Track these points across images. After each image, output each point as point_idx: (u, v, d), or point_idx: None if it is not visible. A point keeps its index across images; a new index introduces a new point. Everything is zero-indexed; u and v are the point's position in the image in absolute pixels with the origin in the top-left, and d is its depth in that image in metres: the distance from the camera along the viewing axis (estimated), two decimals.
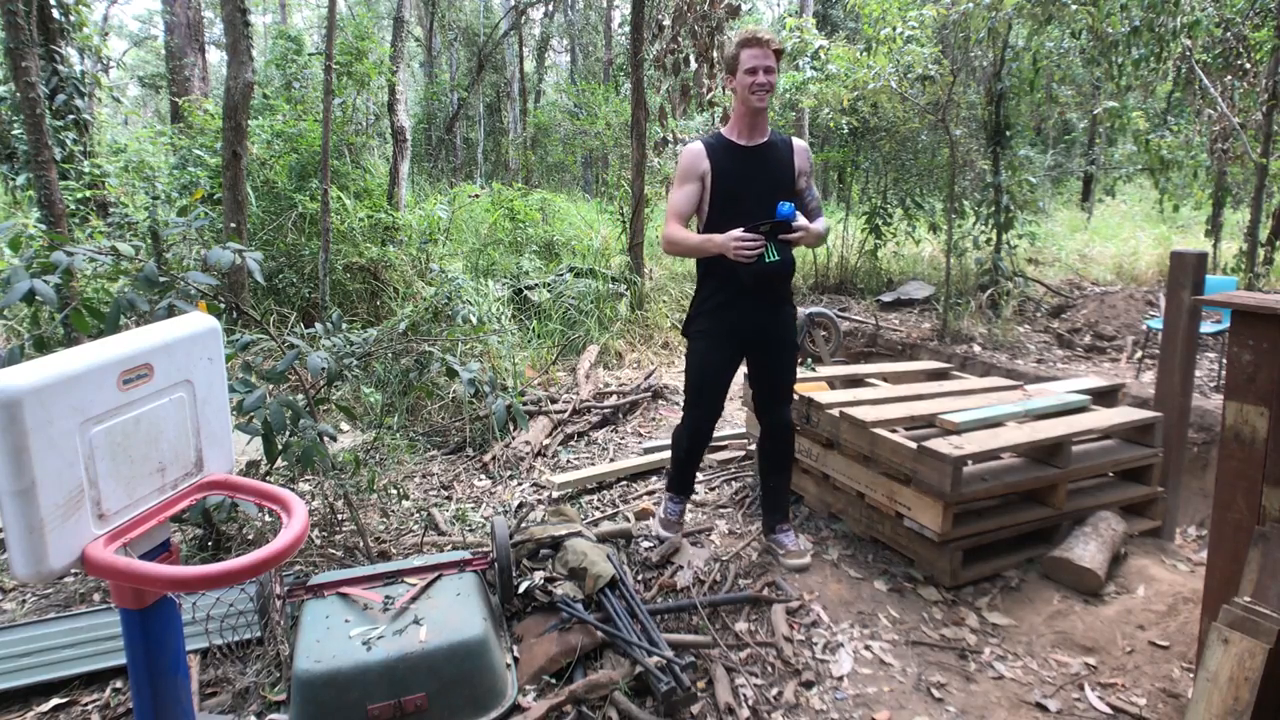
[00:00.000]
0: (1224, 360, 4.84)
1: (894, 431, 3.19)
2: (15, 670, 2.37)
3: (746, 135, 2.81)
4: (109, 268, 2.57)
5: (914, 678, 2.45)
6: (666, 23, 7.59)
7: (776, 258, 2.78)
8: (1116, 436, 3.46)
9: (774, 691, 2.36)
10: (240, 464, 3.01)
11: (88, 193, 6.60)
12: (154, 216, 6.19)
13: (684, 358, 2.99)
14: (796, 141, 2.90)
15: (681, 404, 3.28)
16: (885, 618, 2.76)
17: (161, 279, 2.48)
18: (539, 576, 2.64)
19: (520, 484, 4.08)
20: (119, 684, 2.37)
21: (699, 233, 2.80)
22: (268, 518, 3.14)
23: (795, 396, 3.49)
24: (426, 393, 4.88)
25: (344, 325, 3.27)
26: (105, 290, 4.45)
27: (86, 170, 6.65)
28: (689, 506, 3.71)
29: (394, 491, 3.70)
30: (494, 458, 4.35)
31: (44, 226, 4.29)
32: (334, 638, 2.12)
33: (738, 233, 2.61)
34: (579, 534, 2.88)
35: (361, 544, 3.10)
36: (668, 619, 2.71)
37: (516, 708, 2.18)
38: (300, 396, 3.09)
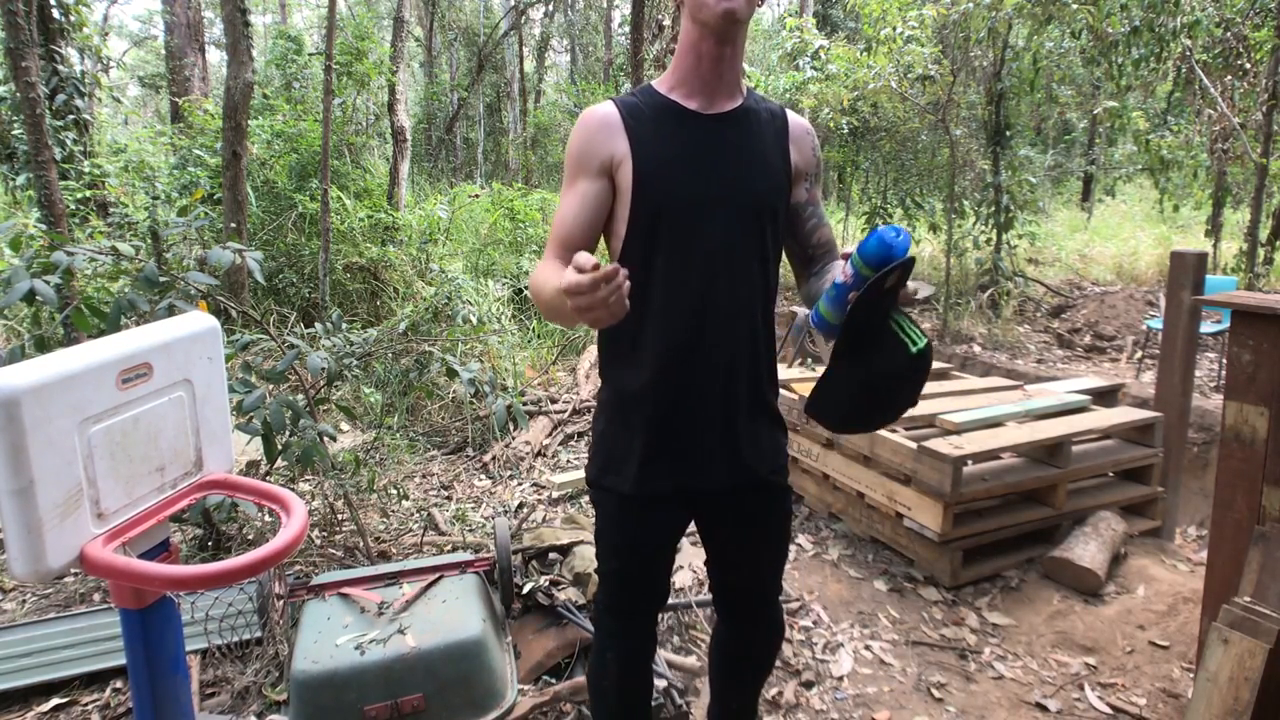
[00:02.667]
0: (1224, 360, 4.84)
1: (894, 431, 3.19)
2: (15, 670, 2.37)
3: (701, 93, 1.44)
4: (109, 268, 2.57)
5: (914, 678, 2.45)
6: (666, 23, 7.59)
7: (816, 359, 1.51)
8: (1116, 436, 3.46)
9: (774, 692, 2.36)
10: (240, 464, 3.01)
11: (88, 193, 6.60)
12: (154, 216, 6.19)
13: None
14: (794, 118, 1.54)
15: None
16: (885, 618, 2.75)
17: (161, 279, 2.48)
18: (544, 579, 2.64)
19: (520, 484, 4.08)
20: (119, 684, 2.37)
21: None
22: (267, 517, 3.14)
23: (795, 397, 3.48)
24: (426, 393, 4.87)
25: (344, 325, 3.27)
26: (106, 290, 4.45)
27: (86, 170, 6.65)
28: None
29: (394, 491, 3.70)
30: (494, 458, 4.35)
31: (44, 226, 4.29)
32: (333, 638, 2.12)
33: (570, 279, 1.08)
34: (589, 542, 2.88)
35: (361, 544, 3.10)
36: (667, 618, 2.71)
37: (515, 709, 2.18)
38: (300, 396, 3.09)
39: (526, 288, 6.90)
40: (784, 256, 1.57)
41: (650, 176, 1.40)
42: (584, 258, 1.07)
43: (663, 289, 1.43)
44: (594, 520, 1.65)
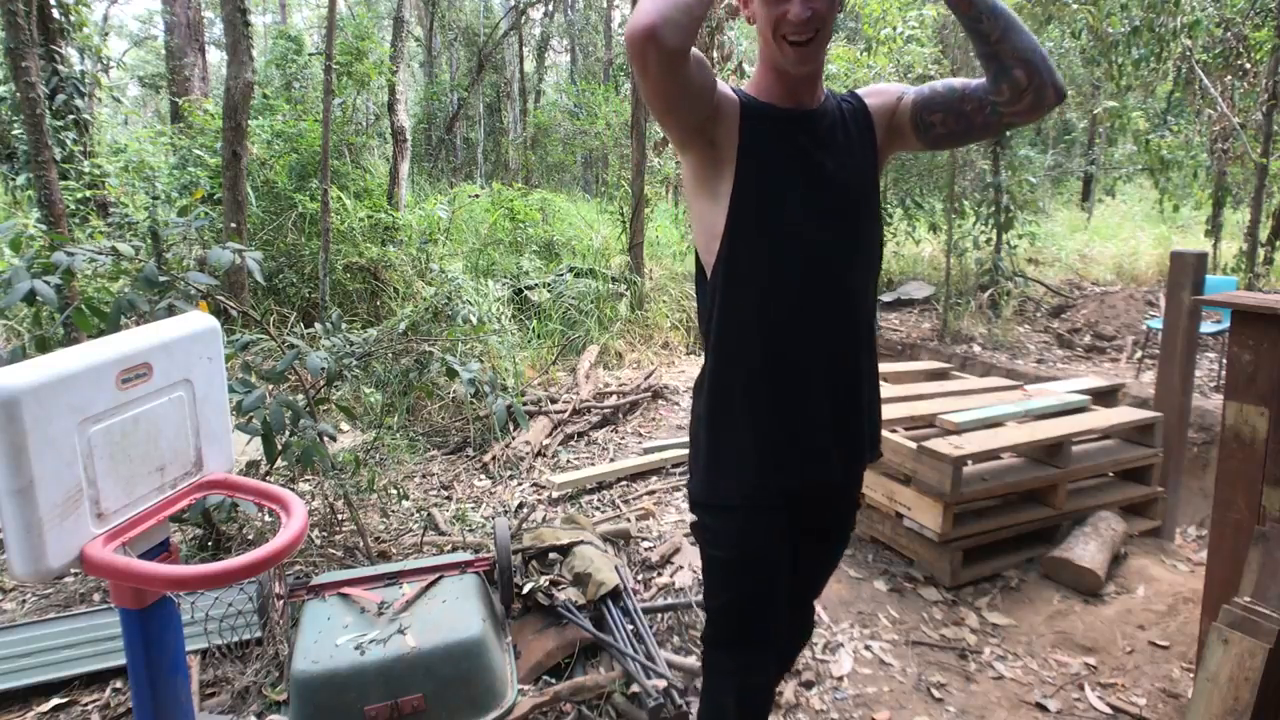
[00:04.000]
0: (1224, 360, 4.84)
1: (894, 431, 3.19)
2: (15, 670, 2.37)
3: (789, 97, 1.43)
4: (109, 268, 2.57)
5: (914, 678, 2.45)
6: None
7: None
8: (1116, 436, 3.46)
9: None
10: (240, 464, 3.01)
11: (88, 193, 6.60)
12: (154, 216, 6.19)
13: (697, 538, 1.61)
14: (865, 91, 1.56)
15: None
16: (885, 618, 2.75)
17: (161, 279, 2.48)
18: (544, 579, 2.64)
19: (520, 484, 4.08)
20: (119, 684, 2.37)
21: (711, 270, 1.44)
22: (267, 517, 3.14)
23: None
24: (426, 393, 4.88)
25: (344, 325, 3.27)
26: (107, 290, 4.45)
27: (86, 170, 6.65)
28: (689, 506, 3.70)
29: (394, 491, 3.70)
30: (494, 458, 4.35)
31: (44, 226, 4.29)
32: (333, 638, 2.12)
33: None
34: (589, 542, 2.88)
35: (361, 544, 3.10)
36: (666, 618, 2.71)
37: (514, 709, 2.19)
38: (300, 396, 3.09)
39: (529, 287, 6.92)
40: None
41: (752, 164, 1.38)
42: None
43: (769, 280, 1.40)
44: (700, 555, 1.57)
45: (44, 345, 2.64)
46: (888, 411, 3.29)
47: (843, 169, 1.43)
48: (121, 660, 2.36)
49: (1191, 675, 2.36)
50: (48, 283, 2.04)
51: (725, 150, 1.38)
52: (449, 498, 3.93)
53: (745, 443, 1.45)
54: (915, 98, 1.48)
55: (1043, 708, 2.30)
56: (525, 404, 5.05)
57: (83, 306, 2.28)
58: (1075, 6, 5.80)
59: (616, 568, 2.74)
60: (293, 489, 3.25)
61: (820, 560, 1.68)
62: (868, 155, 1.49)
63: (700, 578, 2.97)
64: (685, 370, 6.36)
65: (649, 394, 5.37)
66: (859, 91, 1.53)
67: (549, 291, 6.87)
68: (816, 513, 1.57)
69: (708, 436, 1.49)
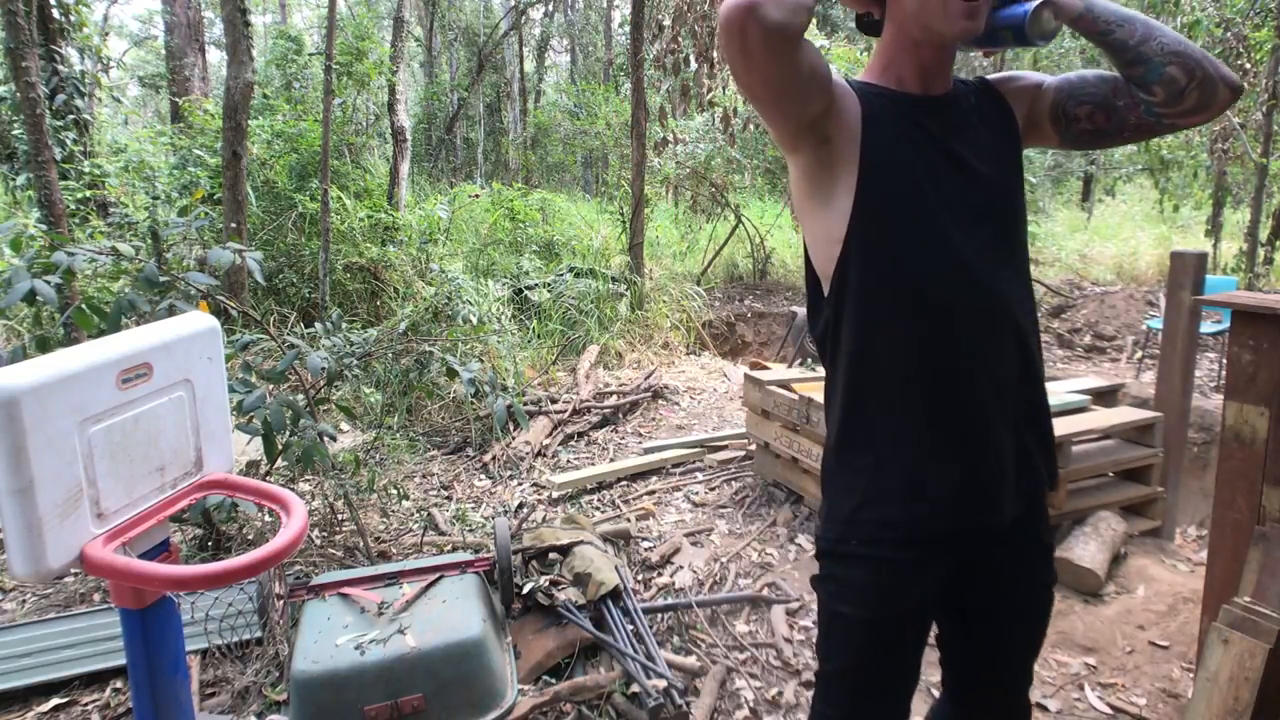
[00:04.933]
0: (1224, 360, 4.85)
1: None
2: (15, 670, 2.37)
3: (918, 80, 1.25)
4: (110, 267, 2.57)
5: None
6: (666, 23, 7.59)
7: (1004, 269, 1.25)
8: (1116, 436, 3.46)
9: (774, 692, 2.36)
10: (240, 464, 3.01)
11: (88, 193, 6.61)
12: (154, 216, 6.19)
13: (817, 606, 1.40)
14: (996, 79, 1.37)
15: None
16: None
17: (161, 279, 2.48)
18: (544, 579, 2.65)
19: (520, 484, 4.08)
20: (119, 684, 2.37)
21: (831, 281, 1.24)
22: (267, 517, 3.14)
23: (795, 397, 3.49)
24: (427, 393, 4.88)
25: (344, 325, 3.27)
26: (107, 290, 4.45)
27: (86, 170, 6.65)
28: (689, 507, 3.71)
29: (394, 491, 3.70)
30: (494, 458, 4.35)
31: (44, 226, 4.29)
32: (333, 638, 2.12)
33: None
34: (589, 542, 2.88)
35: (361, 544, 3.10)
36: (666, 618, 2.71)
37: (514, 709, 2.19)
38: (300, 396, 3.09)
39: (529, 287, 6.92)
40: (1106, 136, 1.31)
41: (882, 157, 1.17)
42: None
43: (910, 293, 1.18)
44: (818, 609, 1.30)
45: (44, 345, 2.64)
46: None
47: (984, 162, 1.23)
48: (121, 660, 2.37)
49: (1191, 675, 2.36)
50: (48, 282, 2.04)
51: (843, 148, 1.17)
52: (449, 498, 3.94)
53: (890, 470, 1.19)
54: (1060, 85, 1.29)
55: (1043, 708, 2.30)
56: (525, 404, 5.05)
57: (83, 306, 2.28)
58: None
59: (616, 568, 2.74)
60: (293, 489, 3.25)
61: (1009, 618, 1.30)
62: (1011, 146, 1.29)
63: (700, 577, 2.97)
64: (685, 370, 6.37)
65: (649, 394, 5.37)
66: (989, 78, 1.35)
67: (549, 291, 6.88)
68: (988, 554, 1.26)
69: (838, 466, 1.26)
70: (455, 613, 2.22)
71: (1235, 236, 8.10)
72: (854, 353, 1.21)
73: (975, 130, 1.25)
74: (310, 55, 9.14)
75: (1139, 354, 6.26)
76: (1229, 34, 6.73)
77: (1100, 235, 11.35)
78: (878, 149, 1.17)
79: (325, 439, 2.78)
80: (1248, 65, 6.77)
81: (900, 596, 1.20)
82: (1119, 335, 7.03)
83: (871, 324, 1.19)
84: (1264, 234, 6.99)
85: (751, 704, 2.30)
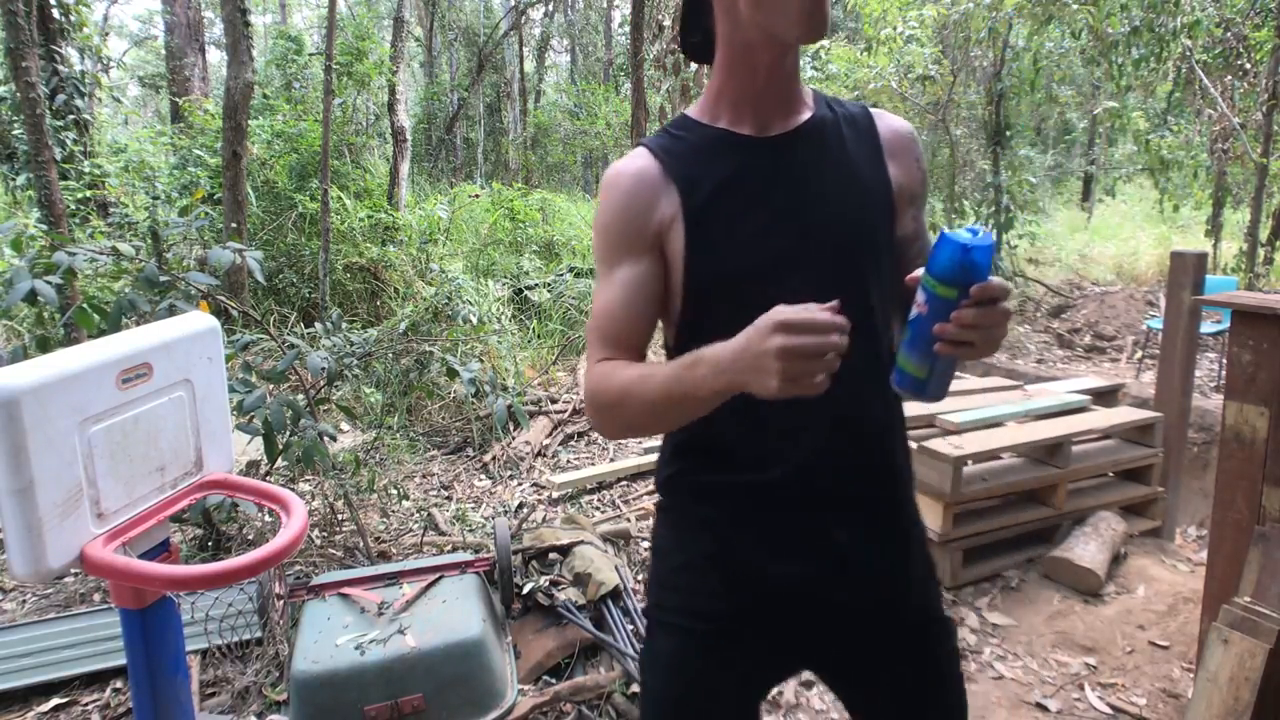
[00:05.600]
0: (1224, 360, 4.85)
1: None
2: (15, 670, 2.37)
3: (756, 113, 1.07)
4: (110, 267, 2.57)
5: None
6: (666, 23, 7.60)
7: (876, 397, 1.08)
8: (1116, 436, 3.46)
9: (774, 692, 2.36)
10: (240, 464, 3.01)
11: (88, 193, 6.61)
12: (154, 216, 6.20)
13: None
14: (887, 122, 1.14)
15: None
16: None
17: (162, 279, 2.48)
18: (544, 579, 2.65)
19: (520, 484, 4.08)
20: (119, 684, 2.37)
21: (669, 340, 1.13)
22: (268, 517, 3.14)
23: None
24: (427, 393, 4.88)
25: (344, 325, 3.27)
26: (108, 289, 4.45)
27: (86, 170, 6.65)
28: None
29: (394, 491, 3.70)
30: (494, 458, 4.35)
31: (44, 227, 4.29)
32: (333, 638, 2.12)
33: (790, 312, 0.82)
34: (589, 542, 2.88)
35: (361, 544, 3.10)
36: None
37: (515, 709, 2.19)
38: (300, 396, 3.09)
39: (529, 287, 6.92)
40: None
41: (708, 237, 1.02)
42: (796, 309, 0.81)
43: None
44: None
45: (45, 345, 2.65)
46: None
47: (833, 206, 1.03)
48: (121, 660, 2.37)
49: (1191, 675, 2.36)
50: (49, 283, 2.04)
51: (676, 245, 1.04)
52: (449, 498, 3.93)
53: (692, 540, 1.10)
54: (909, 231, 1.11)
55: (1043, 708, 2.30)
56: (525, 404, 5.05)
57: (85, 306, 2.28)
58: (1075, 7, 5.80)
59: (616, 568, 2.74)
60: (293, 489, 3.25)
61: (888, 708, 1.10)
62: (877, 176, 1.07)
63: None
64: None
65: None
66: (877, 115, 1.12)
67: (549, 291, 6.88)
68: (838, 651, 1.10)
69: (656, 533, 1.17)
70: (455, 613, 2.22)
71: (1235, 236, 8.10)
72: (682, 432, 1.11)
73: (836, 164, 1.05)
74: (310, 55, 9.15)
75: (1139, 354, 6.26)
76: (1229, 34, 6.73)
77: (1100, 235, 11.35)
78: (701, 222, 1.02)
79: (325, 439, 2.78)
80: (1248, 65, 6.77)
81: (687, 680, 1.07)
82: (1119, 335, 7.03)
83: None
84: (1264, 234, 6.99)
85: None
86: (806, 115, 1.07)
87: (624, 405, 0.97)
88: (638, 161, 1.06)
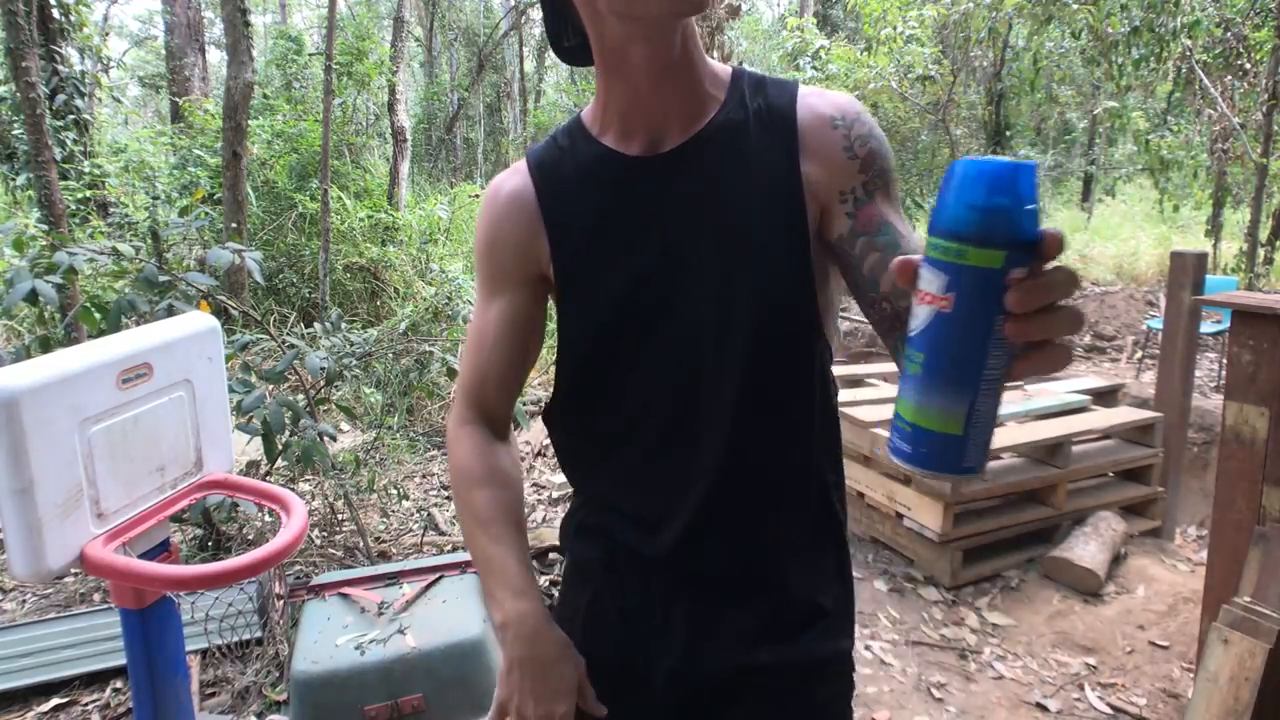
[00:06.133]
0: (1224, 360, 4.85)
1: None
2: (15, 670, 2.37)
3: (644, 124, 0.86)
4: (111, 267, 2.57)
5: (914, 678, 2.45)
6: None
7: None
8: (1117, 436, 3.46)
9: None
10: (240, 464, 3.01)
11: (88, 193, 6.61)
12: (154, 216, 6.20)
13: None
14: (808, 107, 0.84)
15: None
16: (885, 618, 2.76)
17: (161, 279, 2.48)
18: (544, 579, 2.64)
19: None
20: (119, 684, 2.37)
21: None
22: (267, 517, 3.14)
23: None
24: (427, 393, 4.87)
25: (344, 325, 3.27)
26: (111, 289, 4.45)
27: (86, 170, 6.65)
28: None
29: (394, 492, 3.70)
30: None
31: (45, 227, 4.29)
32: (333, 639, 2.12)
33: (513, 703, 0.87)
34: None
35: (361, 544, 3.10)
36: None
37: None
38: (300, 396, 3.09)
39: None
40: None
41: (577, 287, 0.88)
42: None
43: (616, 452, 0.92)
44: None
45: (47, 345, 2.65)
46: (888, 412, 3.29)
47: (718, 229, 0.83)
48: (121, 660, 2.36)
49: (1191, 675, 2.36)
50: (49, 283, 2.04)
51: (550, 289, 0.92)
52: (449, 498, 3.93)
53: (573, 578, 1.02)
54: (844, 231, 0.82)
55: (1043, 708, 2.30)
56: (525, 404, 5.05)
57: (88, 305, 2.29)
58: (1075, 7, 5.80)
59: None
60: (293, 489, 3.25)
61: None
62: (784, 182, 0.82)
63: None
64: None
65: None
66: (801, 101, 0.85)
67: None
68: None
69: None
70: (456, 613, 2.22)
71: (1235, 236, 8.10)
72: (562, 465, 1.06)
73: (737, 186, 0.83)
74: (310, 55, 9.15)
75: (1139, 354, 6.26)
76: (1229, 34, 6.73)
77: (1100, 235, 11.35)
78: (569, 256, 0.88)
79: (325, 439, 2.78)
80: (1248, 65, 6.77)
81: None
82: (1119, 335, 7.02)
83: (570, 451, 1.02)
84: (1264, 234, 6.99)
85: None
86: (710, 116, 0.84)
87: (458, 505, 0.97)
88: (514, 180, 0.92)
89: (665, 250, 0.84)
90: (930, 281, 0.52)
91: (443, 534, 3.39)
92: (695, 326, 0.84)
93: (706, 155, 0.84)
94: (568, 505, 1.06)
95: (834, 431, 0.94)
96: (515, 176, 0.92)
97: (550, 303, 0.94)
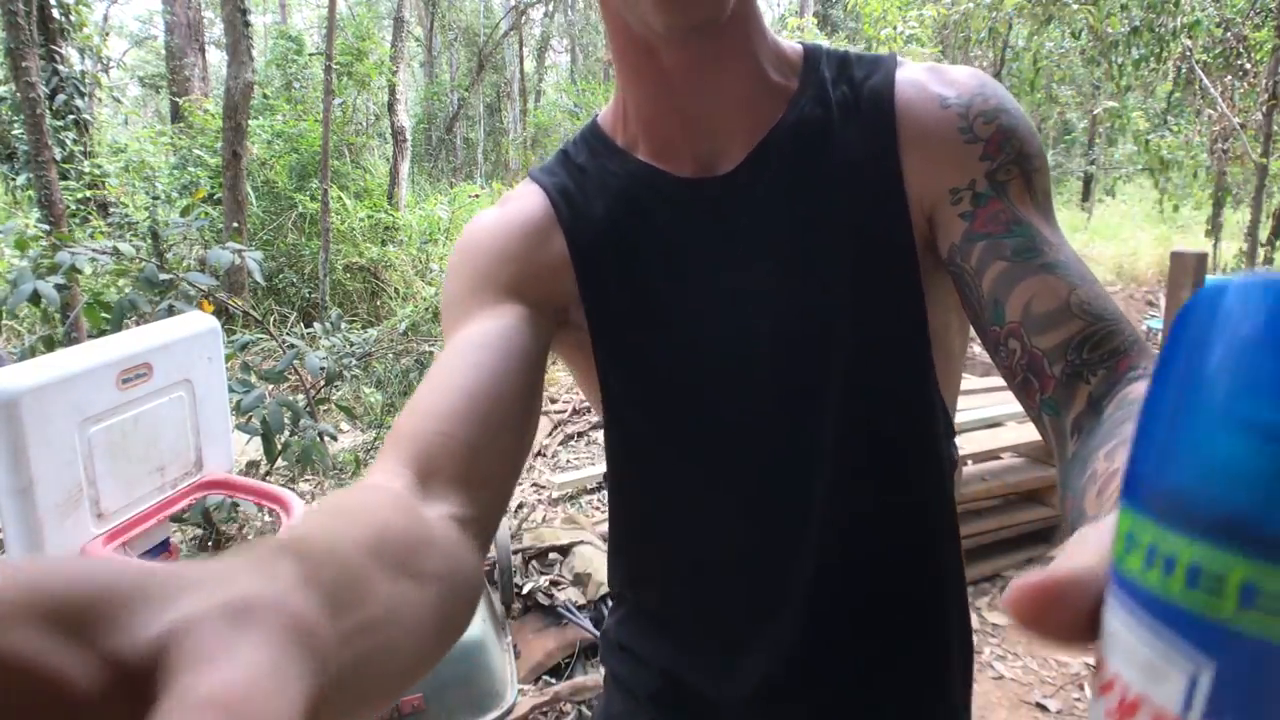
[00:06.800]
0: None
1: None
2: None
3: (688, 138, 0.65)
4: (112, 267, 2.57)
5: None
6: None
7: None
8: None
9: None
10: (240, 464, 3.01)
11: (88, 193, 6.62)
12: (154, 216, 6.20)
13: None
14: (907, 86, 0.63)
15: None
16: None
17: (162, 279, 2.48)
18: (544, 579, 2.65)
19: (520, 484, 4.09)
20: None
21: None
22: (267, 517, 3.14)
23: None
24: None
25: (344, 325, 3.27)
26: (113, 287, 4.46)
27: (87, 170, 6.66)
28: None
29: None
30: None
31: (45, 227, 4.30)
32: None
33: None
34: (589, 542, 2.88)
35: None
36: None
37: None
38: (300, 396, 3.10)
39: None
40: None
41: (625, 342, 0.68)
42: None
43: (678, 532, 0.74)
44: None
45: (50, 345, 2.65)
46: None
47: (801, 263, 0.64)
48: None
49: None
50: (51, 283, 2.04)
51: (573, 314, 0.69)
52: None
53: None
54: (955, 239, 0.61)
55: (1043, 708, 2.30)
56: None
57: (91, 302, 2.29)
58: (1075, 7, 5.80)
59: None
60: (293, 489, 3.25)
61: None
62: (884, 192, 0.63)
63: None
64: None
65: None
66: (901, 78, 0.64)
67: None
68: None
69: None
70: None
71: (1236, 236, 8.11)
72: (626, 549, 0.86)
73: (800, 209, 0.64)
74: (310, 55, 9.16)
75: None
76: (1229, 34, 6.73)
77: (1100, 235, 11.36)
78: (612, 310, 0.67)
79: (325, 439, 2.78)
80: (1248, 65, 6.77)
81: None
82: None
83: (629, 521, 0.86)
84: (1264, 234, 7.00)
85: None
86: (781, 115, 0.64)
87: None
88: (524, 205, 0.69)
89: (732, 300, 0.64)
90: (1137, 661, 0.18)
91: None
92: (767, 383, 0.65)
93: (778, 170, 0.64)
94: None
95: (955, 527, 0.71)
96: (523, 200, 0.69)
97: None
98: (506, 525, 2.59)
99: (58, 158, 5.87)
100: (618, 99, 0.69)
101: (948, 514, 0.70)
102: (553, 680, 2.38)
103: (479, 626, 2.17)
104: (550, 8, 18.90)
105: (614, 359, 0.69)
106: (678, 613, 0.74)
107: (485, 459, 0.52)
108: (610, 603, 0.83)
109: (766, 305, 0.64)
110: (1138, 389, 0.46)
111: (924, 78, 0.64)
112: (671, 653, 0.73)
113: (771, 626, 0.68)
